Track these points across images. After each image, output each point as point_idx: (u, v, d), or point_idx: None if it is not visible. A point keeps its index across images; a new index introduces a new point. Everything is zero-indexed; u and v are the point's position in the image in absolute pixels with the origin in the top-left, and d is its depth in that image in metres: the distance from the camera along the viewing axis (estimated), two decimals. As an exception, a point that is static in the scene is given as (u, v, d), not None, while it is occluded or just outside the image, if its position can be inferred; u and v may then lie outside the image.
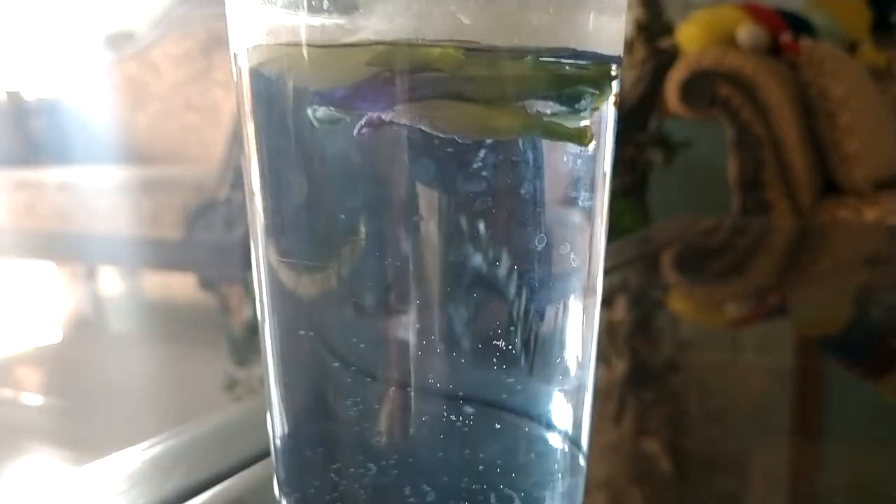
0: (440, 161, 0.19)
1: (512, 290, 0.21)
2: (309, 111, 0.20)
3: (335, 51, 0.19)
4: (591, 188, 0.22)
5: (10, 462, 1.42)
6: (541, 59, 0.19)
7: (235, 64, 0.22)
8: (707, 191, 1.80)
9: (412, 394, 0.21)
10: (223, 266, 2.21)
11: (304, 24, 0.19)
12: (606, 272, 0.24)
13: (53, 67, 2.97)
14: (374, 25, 0.19)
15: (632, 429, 0.37)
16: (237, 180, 2.13)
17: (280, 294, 0.22)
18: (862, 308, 0.65)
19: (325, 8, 0.19)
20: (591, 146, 0.21)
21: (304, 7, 0.19)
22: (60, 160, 2.61)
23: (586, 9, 0.20)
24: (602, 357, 0.46)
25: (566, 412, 0.23)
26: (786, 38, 1.72)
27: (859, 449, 0.35)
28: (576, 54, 0.20)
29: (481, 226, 0.20)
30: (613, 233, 0.26)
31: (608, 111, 0.22)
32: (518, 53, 0.19)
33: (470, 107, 0.19)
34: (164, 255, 2.27)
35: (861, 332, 0.58)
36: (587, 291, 0.23)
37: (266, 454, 0.31)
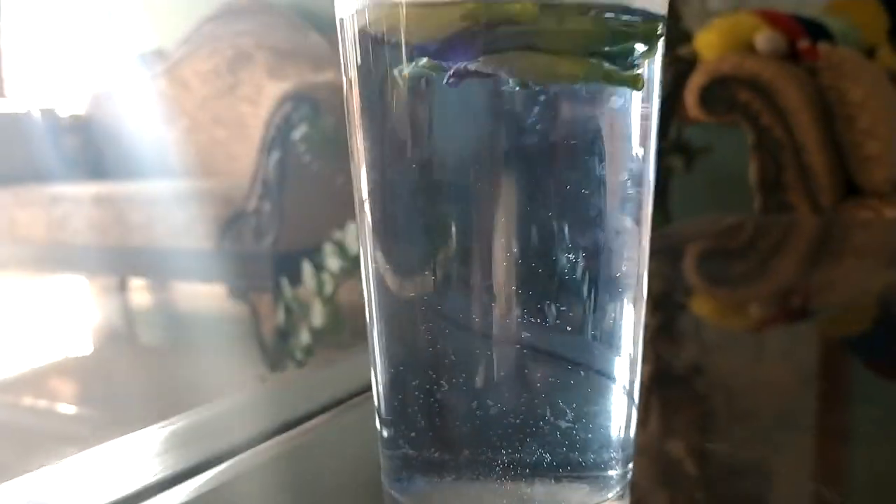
0: (516, 109, 0.23)
1: (588, 238, 0.24)
2: (404, 67, 0.24)
3: (432, 8, 0.23)
4: (644, 141, 0.26)
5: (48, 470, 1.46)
6: (601, 14, 0.23)
7: (341, 30, 0.26)
8: (727, 195, 1.82)
9: (493, 343, 0.24)
10: (253, 275, 2.26)
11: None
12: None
13: (86, 85, 3.05)
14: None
15: (663, 427, 0.38)
16: (265, 191, 2.18)
17: (383, 251, 0.26)
18: (888, 306, 0.66)
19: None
20: (642, 100, 0.25)
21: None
22: (94, 175, 2.68)
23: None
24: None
25: (622, 364, 0.26)
26: (803, 43, 1.75)
27: (887, 450, 0.35)
28: (629, 11, 0.23)
29: (555, 167, 0.24)
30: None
31: (657, 67, 0.25)
32: (583, 9, 0.22)
33: (541, 56, 0.22)
34: (196, 266, 2.32)
35: (887, 331, 0.58)
36: (640, 253, 0.26)
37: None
